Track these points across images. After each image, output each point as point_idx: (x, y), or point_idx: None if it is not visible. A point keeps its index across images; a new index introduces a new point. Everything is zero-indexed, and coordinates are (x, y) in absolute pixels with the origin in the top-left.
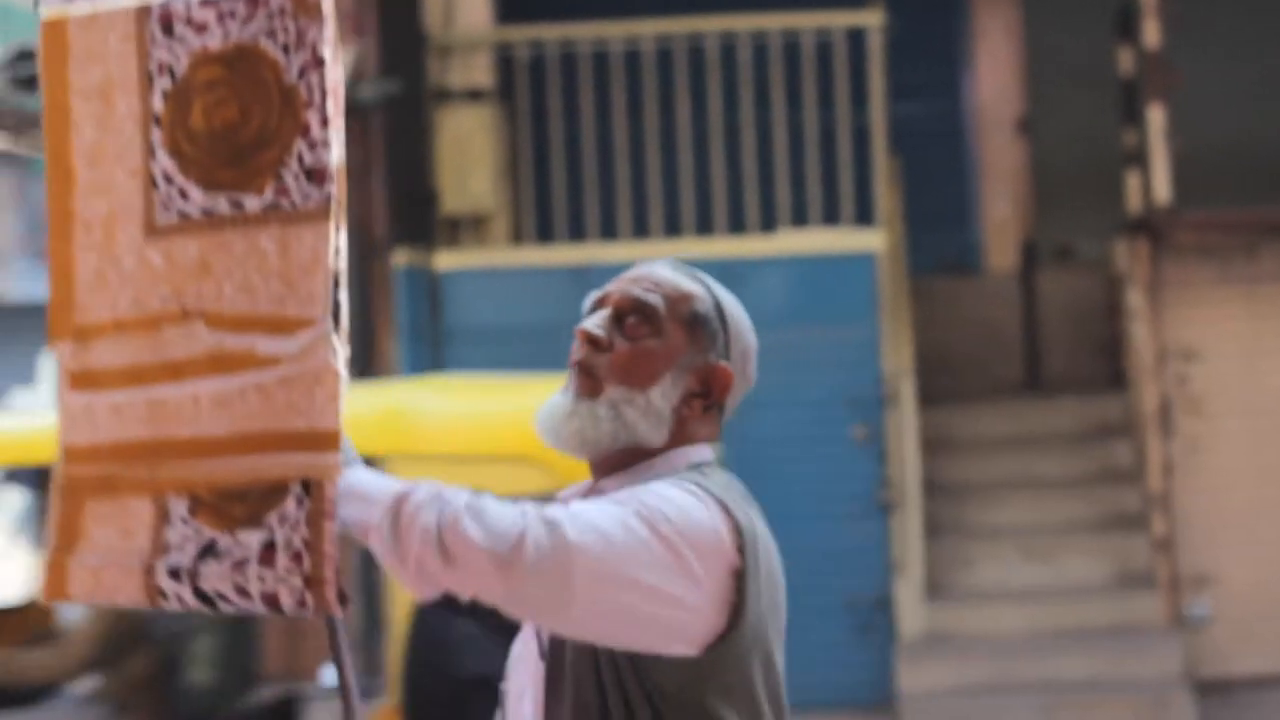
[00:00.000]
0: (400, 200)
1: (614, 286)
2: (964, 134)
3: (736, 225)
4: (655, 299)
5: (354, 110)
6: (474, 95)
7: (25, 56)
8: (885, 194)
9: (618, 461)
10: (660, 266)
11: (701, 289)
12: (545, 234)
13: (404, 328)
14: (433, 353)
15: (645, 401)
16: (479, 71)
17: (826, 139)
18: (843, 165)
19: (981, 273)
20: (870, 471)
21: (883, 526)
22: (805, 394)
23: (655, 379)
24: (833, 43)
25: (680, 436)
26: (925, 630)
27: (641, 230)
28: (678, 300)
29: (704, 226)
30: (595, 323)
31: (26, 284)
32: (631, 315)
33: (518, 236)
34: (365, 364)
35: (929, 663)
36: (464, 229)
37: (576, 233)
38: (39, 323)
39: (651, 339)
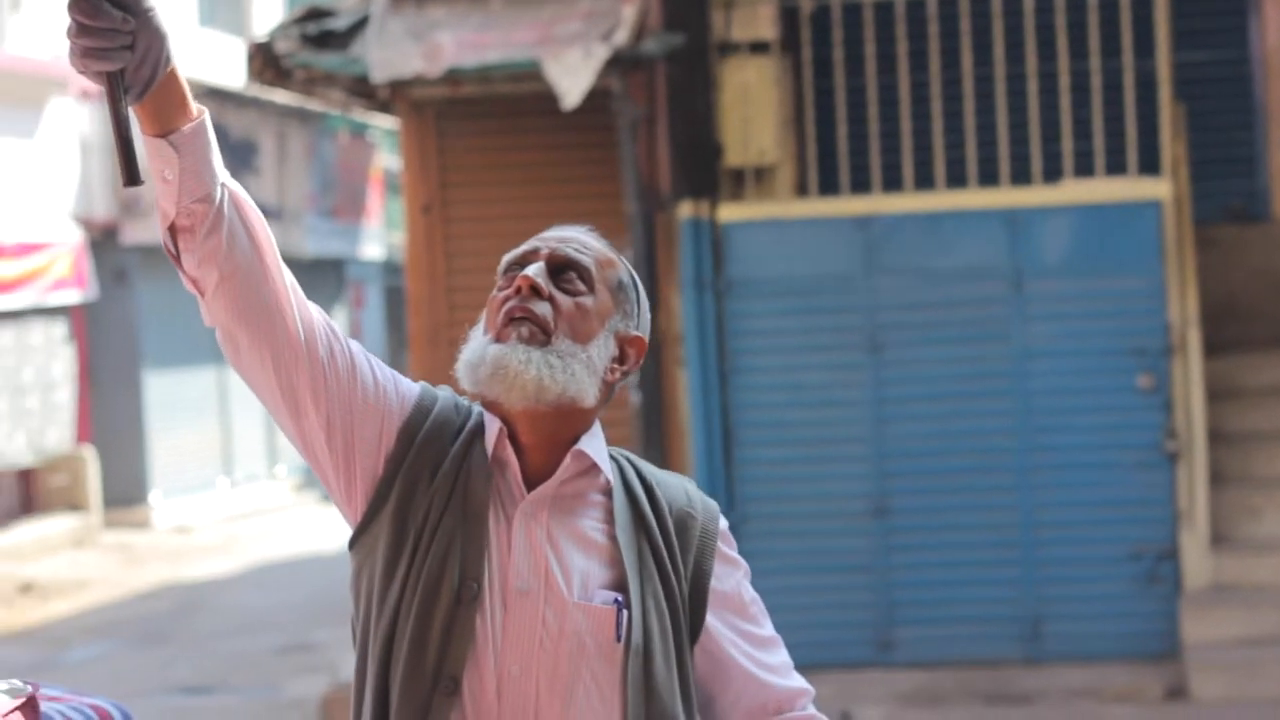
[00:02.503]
0: (685, 153)
1: (540, 243)
2: (1251, 80)
3: (1020, 175)
4: (588, 259)
5: (638, 64)
6: (757, 47)
7: (315, 15)
8: (1170, 142)
9: (549, 417)
10: (579, 231)
11: (619, 259)
12: (829, 186)
13: (688, 280)
14: (716, 304)
15: (587, 357)
16: (762, 23)
17: (1111, 87)
18: (1128, 113)
19: (1269, 220)
20: (1156, 421)
21: (1168, 476)
22: (1090, 344)
23: (592, 337)
24: None
25: (602, 400)
26: (1211, 581)
27: (925, 181)
28: (605, 264)
29: (988, 177)
30: (535, 271)
31: (317, 240)
32: (569, 270)
33: (801, 188)
34: (651, 316)
35: (1215, 613)
36: (748, 181)
37: (860, 184)
38: (331, 278)
39: (587, 297)
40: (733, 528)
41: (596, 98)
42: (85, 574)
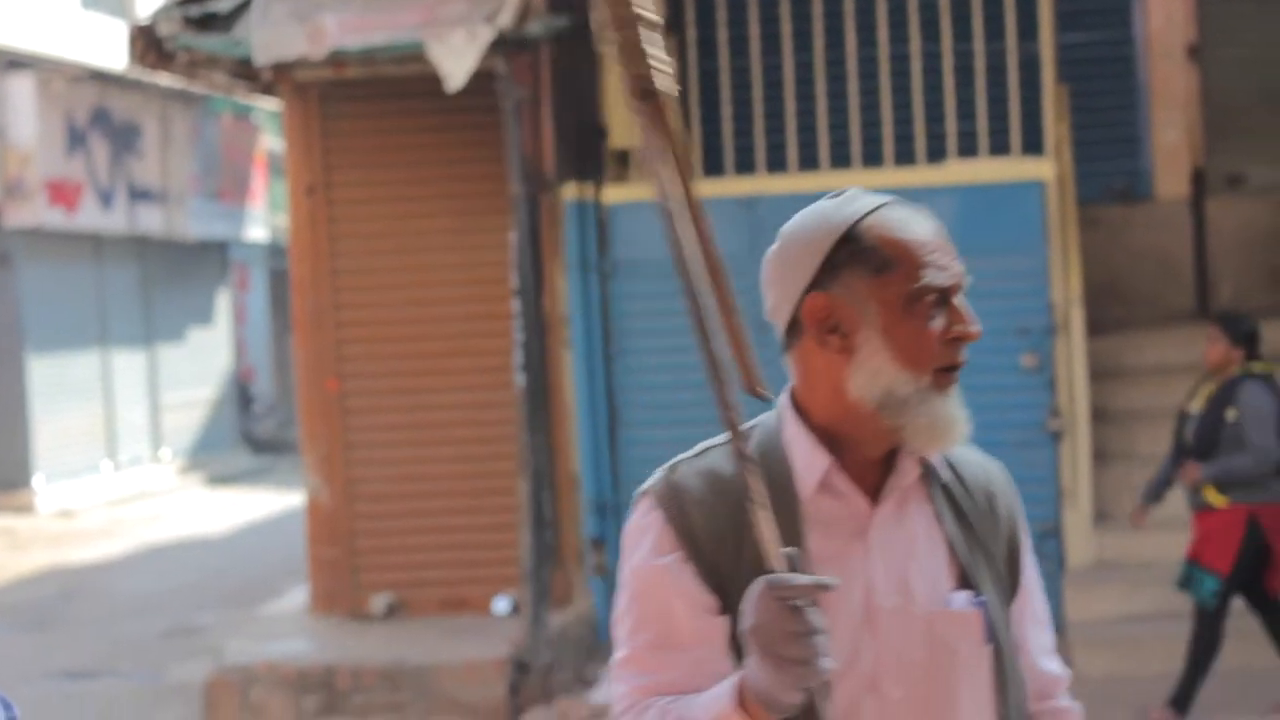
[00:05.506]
0: (569, 135)
1: (951, 264)
2: (1133, 61)
3: (904, 156)
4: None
5: (523, 45)
6: None
7: None
8: (1054, 123)
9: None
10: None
11: None
12: (713, 167)
13: (573, 262)
14: (601, 286)
15: None
16: (647, 5)
17: (995, 68)
18: (1011, 94)
19: (1151, 201)
20: (1039, 400)
21: (1052, 454)
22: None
23: None
24: None
25: None
26: (1094, 558)
27: (809, 162)
28: None
29: (872, 158)
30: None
31: (201, 223)
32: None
33: None
34: (535, 297)
35: (1097, 590)
36: (632, 162)
37: (744, 165)
38: (214, 260)
39: None
40: (617, 508)
41: (481, 79)
42: None
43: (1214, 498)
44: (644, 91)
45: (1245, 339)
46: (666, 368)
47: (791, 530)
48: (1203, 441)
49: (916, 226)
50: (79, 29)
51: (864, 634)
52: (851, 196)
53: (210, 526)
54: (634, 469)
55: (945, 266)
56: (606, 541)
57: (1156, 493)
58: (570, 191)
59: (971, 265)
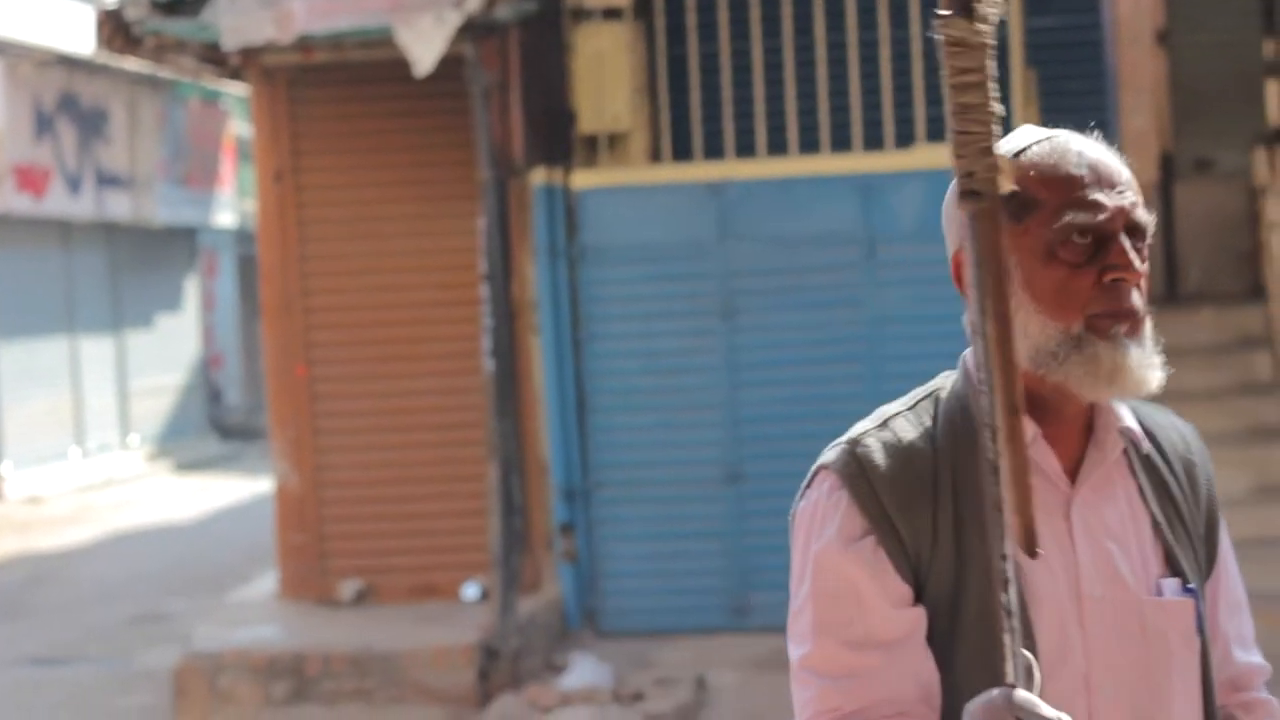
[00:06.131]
0: (538, 120)
1: (1107, 197)
2: (1101, 46)
3: (873, 141)
4: (1146, 213)
5: (491, 30)
6: (611, 13)
7: None
8: (1022, 108)
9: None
10: (1115, 159)
11: None
12: (682, 152)
13: (541, 247)
14: (570, 271)
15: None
16: None
17: None
18: None
19: None
20: None
21: None
22: (943, 309)
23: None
24: None
25: None
26: None
27: (778, 147)
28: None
29: (840, 142)
30: (1135, 261)
31: (170, 208)
32: (1138, 237)
33: (654, 155)
34: (504, 282)
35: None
36: (601, 148)
37: (713, 150)
38: (183, 246)
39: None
40: (586, 494)
41: (449, 64)
42: None
43: None
44: (974, 193)
45: None
46: (635, 353)
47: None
48: None
49: (1066, 161)
50: (46, 13)
51: (1073, 627)
52: (1012, 135)
53: (179, 513)
54: (603, 455)
55: (1095, 204)
56: (575, 527)
57: None
58: (539, 177)
59: (940, 251)
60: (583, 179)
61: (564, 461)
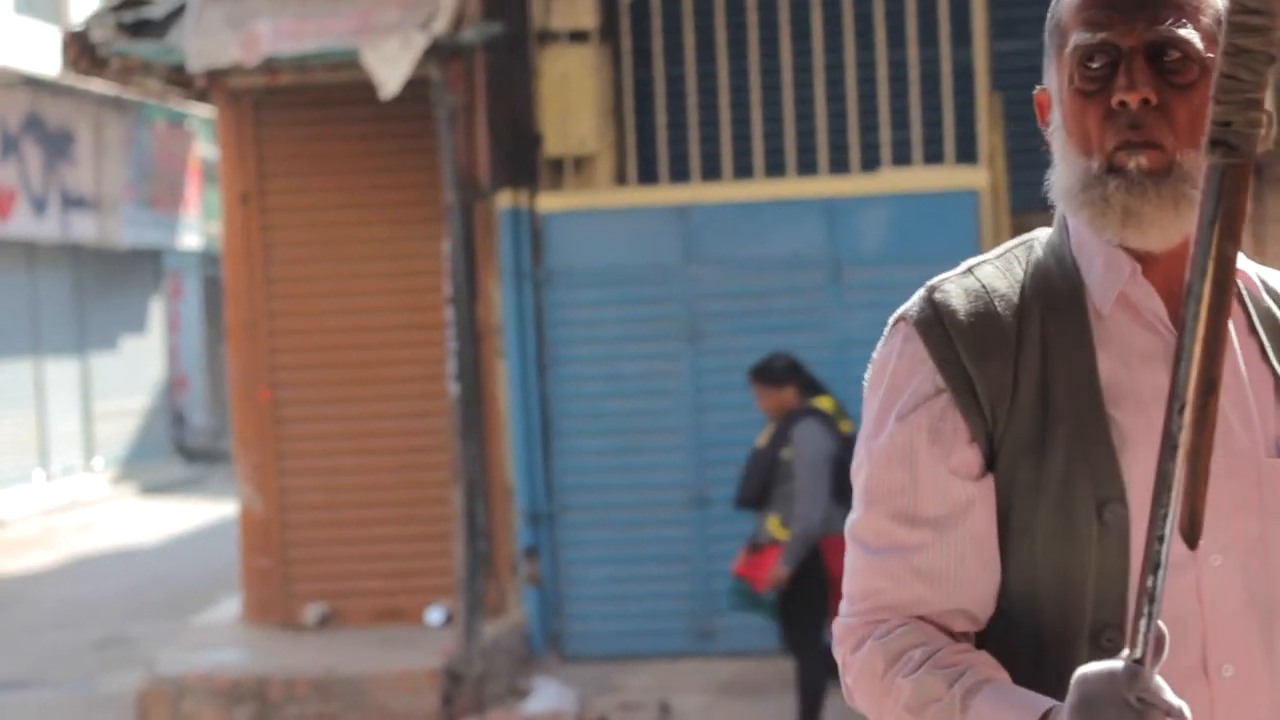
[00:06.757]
0: (504, 143)
1: (1120, 16)
2: None
3: (839, 164)
4: (1189, 30)
5: (457, 52)
6: (577, 36)
7: (132, 3)
8: (988, 131)
9: (1184, 255)
10: None
11: None
12: (648, 175)
13: (507, 270)
14: (535, 295)
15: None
16: (582, 12)
17: (929, 76)
18: (945, 103)
19: None
20: None
21: None
22: None
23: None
24: None
25: None
26: None
27: (744, 170)
28: (1201, 9)
29: (806, 166)
30: (1143, 81)
31: (135, 230)
32: (1168, 54)
33: (620, 178)
34: (469, 305)
35: None
36: (567, 171)
37: (679, 173)
38: (148, 268)
39: (1196, 85)
40: (550, 518)
41: (415, 87)
42: None
43: (778, 531)
44: (1225, 144)
45: (783, 378)
46: (600, 377)
47: (1079, 354)
48: (756, 480)
49: None
50: (12, 34)
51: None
52: None
53: (143, 536)
54: (568, 478)
55: (1097, 22)
56: (540, 551)
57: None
58: (504, 199)
59: (905, 274)
60: (548, 202)
61: (529, 485)
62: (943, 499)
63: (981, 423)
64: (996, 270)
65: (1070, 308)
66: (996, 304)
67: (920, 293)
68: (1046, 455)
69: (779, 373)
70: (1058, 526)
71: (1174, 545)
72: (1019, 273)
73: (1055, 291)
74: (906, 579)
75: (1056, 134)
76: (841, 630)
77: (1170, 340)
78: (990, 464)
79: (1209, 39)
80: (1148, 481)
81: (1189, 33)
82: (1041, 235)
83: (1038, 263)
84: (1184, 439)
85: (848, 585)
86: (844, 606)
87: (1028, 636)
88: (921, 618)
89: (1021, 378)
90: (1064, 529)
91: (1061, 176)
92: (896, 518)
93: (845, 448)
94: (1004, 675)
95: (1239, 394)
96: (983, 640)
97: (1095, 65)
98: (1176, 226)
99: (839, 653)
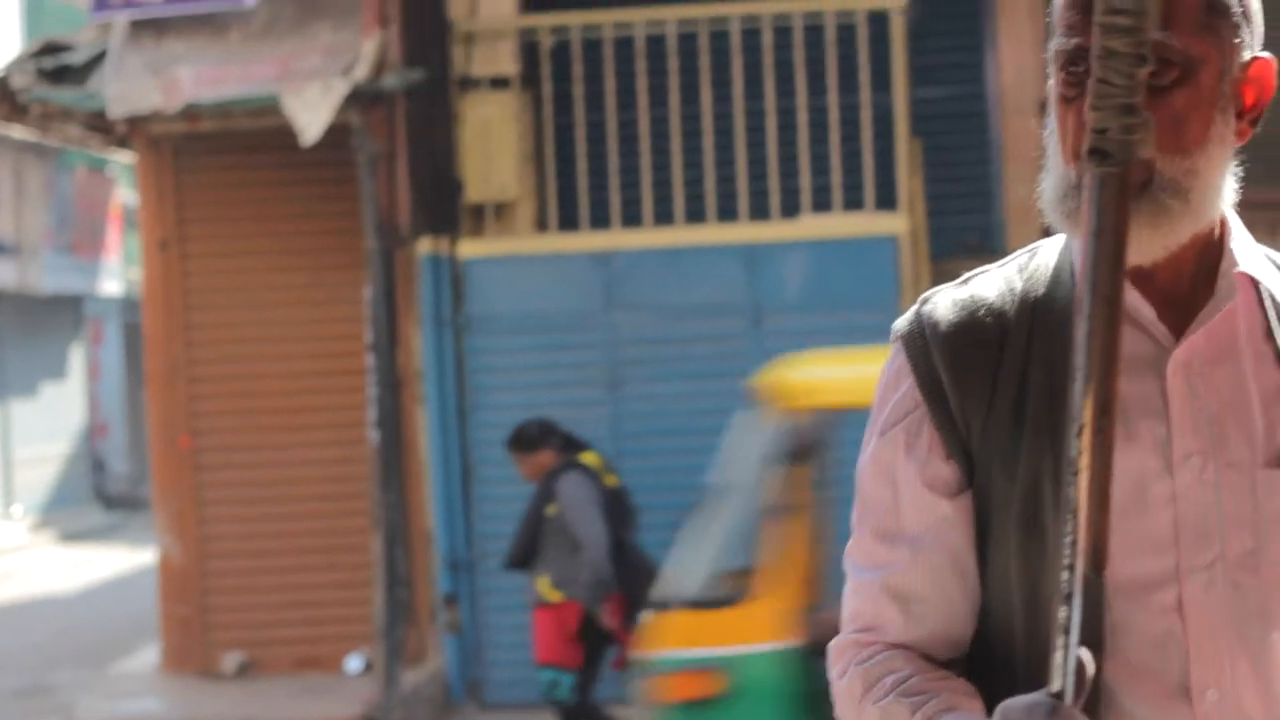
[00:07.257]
0: (425, 189)
1: (1095, 18)
2: (987, 116)
3: (759, 211)
4: (1156, 33)
5: (378, 99)
6: (498, 83)
7: (52, 49)
8: (907, 177)
9: (1186, 259)
10: None
11: None
12: (569, 221)
13: (427, 316)
14: (456, 341)
15: (1204, 164)
16: (503, 59)
17: (849, 123)
18: (865, 149)
19: (1004, 255)
20: None
21: None
22: None
23: (1203, 136)
24: (855, 26)
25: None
26: None
27: (665, 216)
28: (1191, 6)
29: (727, 212)
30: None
31: (55, 276)
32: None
33: (541, 224)
34: (389, 352)
35: None
36: (488, 217)
37: (600, 220)
38: (68, 314)
39: (1181, 85)
40: (470, 565)
41: (336, 133)
42: None
43: (549, 593)
44: (1103, 153)
45: (537, 441)
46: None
47: (1063, 364)
48: (525, 541)
49: None
50: None
51: (1160, 508)
52: None
53: (62, 584)
54: (488, 525)
55: (1076, 26)
56: (460, 598)
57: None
58: (425, 246)
59: (824, 320)
60: (469, 248)
61: (448, 532)
62: (919, 516)
63: (956, 437)
64: (990, 281)
65: (1062, 316)
66: (982, 315)
67: (914, 305)
68: (1017, 468)
69: (532, 438)
70: (1025, 541)
71: (1157, 560)
72: (1017, 281)
73: (1049, 299)
74: (883, 600)
75: (1050, 140)
76: (832, 653)
77: (1168, 346)
78: (970, 479)
79: (1191, 35)
80: (1138, 503)
81: (1163, 34)
82: (1046, 246)
83: (1036, 270)
84: (1083, 462)
85: (842, 608)
86: (842, 628)
87: (1002, 658)
88: (904, 645)
89: (999, 389)
90: (1031, 543)
91: (1048, 184)
92: (879, 536)
93: (612, 499)
94: (974, 704)
95: (1240, 403)
96: (968, 661)
97: (1074, 70)
98: (1156, 241)
99: (829, 675)
